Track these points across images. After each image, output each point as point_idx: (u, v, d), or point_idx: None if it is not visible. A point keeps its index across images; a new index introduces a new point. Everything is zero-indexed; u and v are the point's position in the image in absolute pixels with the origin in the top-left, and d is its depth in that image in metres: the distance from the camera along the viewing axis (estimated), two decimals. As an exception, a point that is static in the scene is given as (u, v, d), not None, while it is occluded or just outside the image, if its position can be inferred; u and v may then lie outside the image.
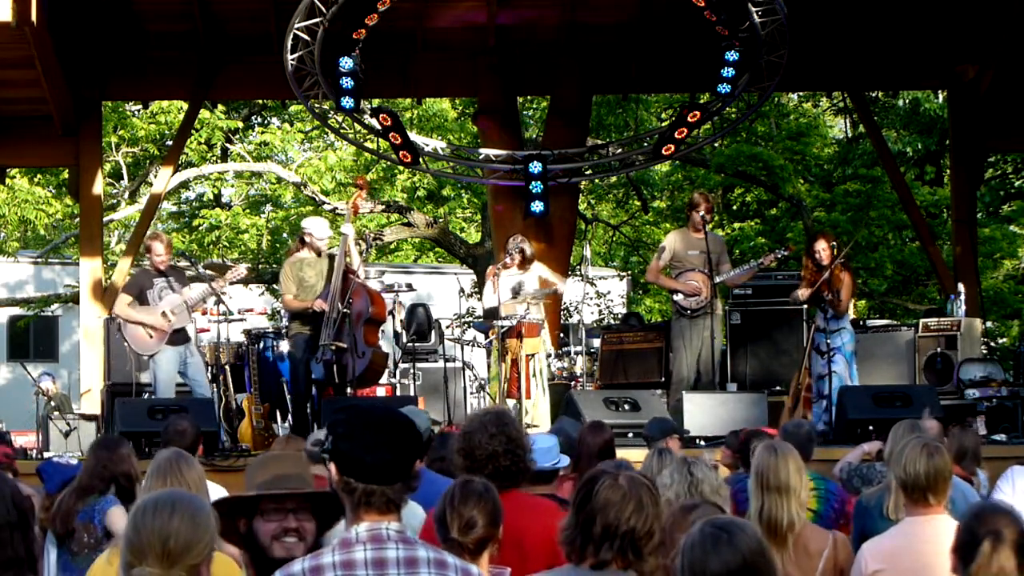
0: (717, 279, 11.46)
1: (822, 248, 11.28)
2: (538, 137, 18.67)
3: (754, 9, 12.61)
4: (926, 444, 5.01)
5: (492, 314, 11.51)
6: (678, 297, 11.65)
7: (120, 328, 11.31)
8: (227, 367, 11.79)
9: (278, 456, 3.94)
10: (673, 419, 9.77)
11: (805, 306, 12.07)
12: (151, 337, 11.13)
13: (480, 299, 16.10)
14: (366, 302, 11.02)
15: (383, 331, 11.62)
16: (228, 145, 23.98)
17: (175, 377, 11.20)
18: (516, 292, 11.41)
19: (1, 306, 27.19)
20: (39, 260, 27.10)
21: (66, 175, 20.23)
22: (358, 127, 13.99)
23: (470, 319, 15.14)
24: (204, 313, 11.80)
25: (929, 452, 4.95)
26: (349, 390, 10.90)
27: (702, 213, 11.57)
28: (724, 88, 13.04)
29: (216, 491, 6.16)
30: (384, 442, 3.25)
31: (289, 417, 11.64)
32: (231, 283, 11.49)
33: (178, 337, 11.19)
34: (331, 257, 11.27)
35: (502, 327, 11.05)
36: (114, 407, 11.08)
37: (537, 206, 13.60)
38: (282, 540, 3.66)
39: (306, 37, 12.70)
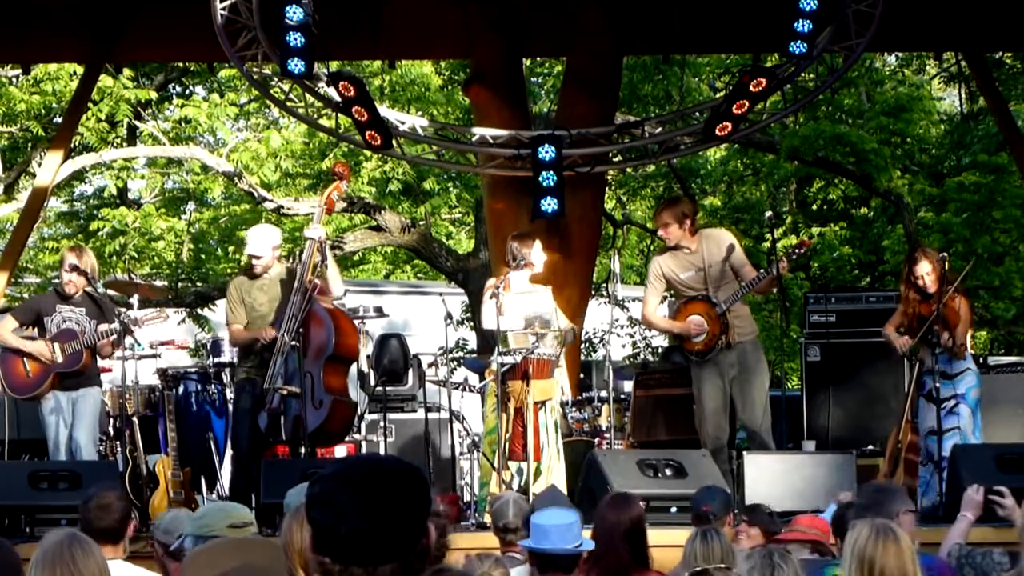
0: (724, 306, 11.39)
1: (926, 273, 11.10)
2: (551, 112, 18.71)
3: (838, -58, 12.67)
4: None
5: (492, 340, 11.26)
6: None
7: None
8: (135, 419, 11.78)
9: (238, 543, 3.76)
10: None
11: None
12: (29, 376, 11.19)
13: (474, 322, 16.09)
14: (329, 332, 10.90)
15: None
16: (137, 123, 24.03)
17: (66, 432, 11.24)
18: (530, 325, 11.19)
19: None
20: None
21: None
22: (311, 99, 14.03)
23: (460, 354, 15.19)
24: (109, 355, 11.71)
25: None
26: (303, 449, 10.81)
27: (670, 226, 11.65)
28: (798, 47, 13.06)
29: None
30: (366, 507, 3.06)
31: (219, 486, 11.66)
32: (147, 322, 11.46)
33: (70, 382, 11.25)
34: (291, 273, 11.28)
35: (503, 365, 10.96)
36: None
37: (549, 204, 13.62)
38: None
39: (242, -21, 12.76)
